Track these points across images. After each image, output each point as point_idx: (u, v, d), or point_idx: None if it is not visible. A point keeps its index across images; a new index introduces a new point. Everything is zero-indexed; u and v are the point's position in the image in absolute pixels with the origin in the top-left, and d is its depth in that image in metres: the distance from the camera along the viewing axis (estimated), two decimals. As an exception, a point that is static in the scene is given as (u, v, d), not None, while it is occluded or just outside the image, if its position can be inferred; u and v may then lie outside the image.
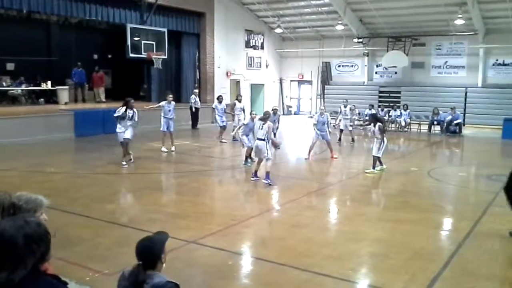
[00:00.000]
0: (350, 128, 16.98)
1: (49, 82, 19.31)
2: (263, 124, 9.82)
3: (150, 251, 2.82)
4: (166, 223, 6.79)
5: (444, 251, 6.02)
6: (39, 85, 19.22)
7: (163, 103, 13.84)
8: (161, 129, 13.64)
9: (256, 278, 5.22)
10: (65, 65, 20.41)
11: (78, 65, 20.27)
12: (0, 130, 13.85)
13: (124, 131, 11.14)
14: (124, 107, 11.12)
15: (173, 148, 13.54)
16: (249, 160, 11.45)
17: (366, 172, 10.99)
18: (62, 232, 6.29)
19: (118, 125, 11.18)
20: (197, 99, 19.26)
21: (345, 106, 17.29)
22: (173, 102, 13.82)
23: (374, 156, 11.06)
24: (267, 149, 9.61)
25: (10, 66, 19.20)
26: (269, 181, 9.42)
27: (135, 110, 11.27)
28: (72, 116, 15.73)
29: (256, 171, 9.91)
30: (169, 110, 13.59)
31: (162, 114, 13.65)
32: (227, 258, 5.60)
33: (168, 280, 2.74)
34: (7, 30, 18.75)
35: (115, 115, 11.19)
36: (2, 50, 18.61)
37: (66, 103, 18.86)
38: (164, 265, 2.87)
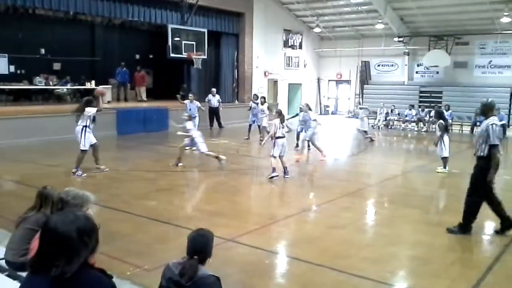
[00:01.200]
0: (365, 129, 16.89)
1: (93, 82, 19.90)
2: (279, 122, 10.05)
3: (205, 248, 2.94)
4: (205, 220, 6.88)
5: (487, 256, 5.86)
6: (84, 84, 19.81)
7: (186, 101, 14.24)
8: None
9: (292, 278, 5.24)
10: (108, 65, 21.00)
11: (122, 65, 20.81)
12: (47, 128, 14.42)
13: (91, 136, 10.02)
14: (89, 107, 9.94)
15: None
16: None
17: (437, 171, 11.06)
18: (104, 227, 6.46)
19: (88, 131, 9.93)
20: (212, 98, 18.49)
21: (360, 109, 17.40)
22: (195, 102, 14.18)
23: (441, 157, 11.10)
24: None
25: (56, 66, 19.90)
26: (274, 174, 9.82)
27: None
28: (115, 115, 16.17)
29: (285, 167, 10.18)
30: (190, 109, 14.05)
31: None
32: (263, 257, 5.64)
33: (210, 273, 2.83)
34: (55, 31, 19.50)
35: (91, 114, 9.88)
36: (50, 51, 19.35)
37: (109, 102, 19.38)
38: (210, 259, 2.98)
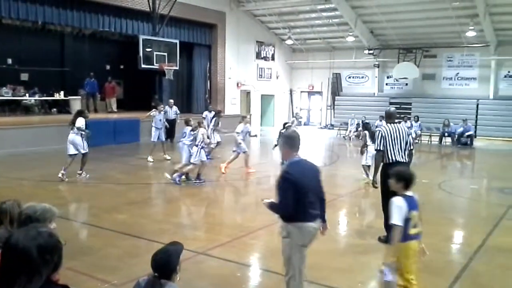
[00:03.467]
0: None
1: (62, 92, 19.56)
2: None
3: (167, 264, 2.86)
4: (176, 234, 6.80)
5: (455, 265, 5.96)
6: (52, 95, 19.47)
7: (153, 112, 14.03)
8: (152, 139, 13.86)
9: (265, 290, 5.21)
10: (78, 75, 20.70)
11: (91, 75, 20.54)
12: (13, 140, 14.05)
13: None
14: (81, 118, 10.64)
15: (168, 157, 13.70)
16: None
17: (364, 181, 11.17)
18: (72, 242, 6.34)
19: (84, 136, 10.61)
20: (170, 109, 16.57)
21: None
22: (162, 113, 14.06)
23: (365, 165, 11.22)
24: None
25: (24, 77, 19.51)
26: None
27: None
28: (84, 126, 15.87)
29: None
30: (160, 120, 13.90)
31: (153, 125, 13.87)
32: (235, 270, 5.59)
33: None
34: (22, 41, 19.15)
35: (84, 127, 10.53)
36: (17, 61, 18.96)
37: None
38: (178, 275, 2.91)
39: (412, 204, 4.10)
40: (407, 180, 4.17)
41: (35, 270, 1.80)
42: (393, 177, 4.27)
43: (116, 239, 6.65)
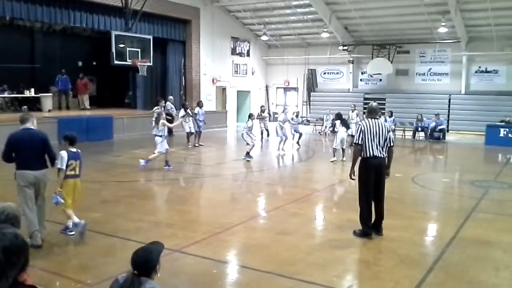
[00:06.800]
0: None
1: (32, 90, 19.10)
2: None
3: (146, 262, 2.86)
4: (151, 231, 6.72)
5: (428, 257, 6.06)
6: (22, 93, 19.00)
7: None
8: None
9: (241, 286, 5.19)
10: (49, 72, 20.22)
11: (62, 72, 20.11)
12: (-18, 138, 13.64)
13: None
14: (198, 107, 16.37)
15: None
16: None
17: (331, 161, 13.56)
18: (43, 242, 6.21)
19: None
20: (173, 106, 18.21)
21: (352, 111, 18.56)
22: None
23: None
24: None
25: (-8, 74, 18.95)
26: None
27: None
28: (56, 124, 15.54)
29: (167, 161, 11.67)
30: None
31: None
32: (211, 267, 5.55)
33: (157, 287, 2.77)
34: (-10, 37, 18.57)
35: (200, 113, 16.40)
36: (-16, 58, 18.38)
37: (49, 111, 18.66)
38: (158, 274, 2.88)
39: (72, 156, 6.40)
40: (69, 140, 6.46)
41: (1, 273, 1.73)
42: (61, 139, 6.59)
43: (89, 238, 6.52)
